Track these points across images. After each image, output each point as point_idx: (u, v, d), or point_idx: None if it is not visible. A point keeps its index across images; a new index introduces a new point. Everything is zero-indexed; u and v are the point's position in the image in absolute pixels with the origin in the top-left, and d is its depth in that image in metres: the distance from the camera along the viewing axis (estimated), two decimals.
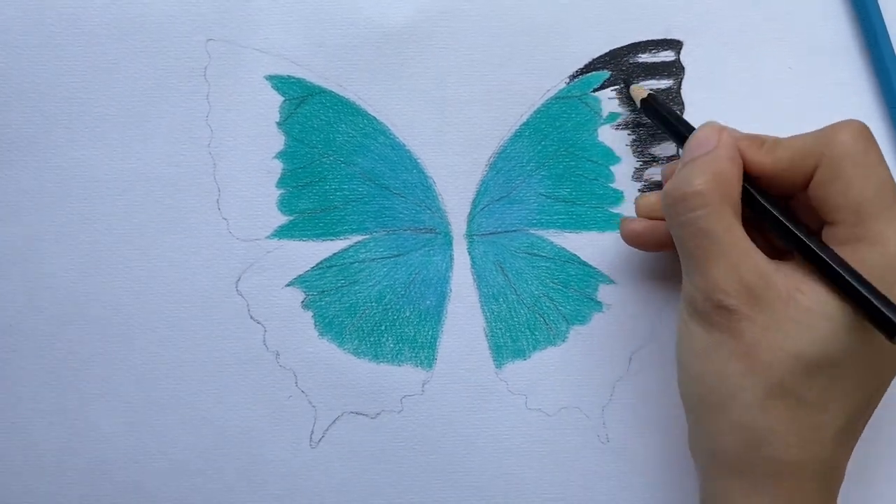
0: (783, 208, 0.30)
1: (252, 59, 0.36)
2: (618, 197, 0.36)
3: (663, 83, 0.36)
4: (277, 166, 0.36)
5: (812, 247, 0.29)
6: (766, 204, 0.30)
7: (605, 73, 0.36)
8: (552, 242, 0.36)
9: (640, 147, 0.36)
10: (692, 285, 0.30)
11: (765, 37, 0.37)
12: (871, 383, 0.30)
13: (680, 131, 0.33)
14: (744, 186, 0.30)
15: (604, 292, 0.36)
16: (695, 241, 0.29)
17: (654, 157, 0.36)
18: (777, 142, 0.30)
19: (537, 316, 0.36)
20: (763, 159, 0.30)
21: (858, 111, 0.36)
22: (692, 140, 0.31)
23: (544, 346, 0.36)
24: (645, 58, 0.36)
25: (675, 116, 0.34)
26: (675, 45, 0.36)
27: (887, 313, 0.27)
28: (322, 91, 0.36)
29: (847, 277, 0.28)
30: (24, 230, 0.36)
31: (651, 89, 0.36)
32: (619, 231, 0.35)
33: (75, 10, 0.36)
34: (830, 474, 0.30)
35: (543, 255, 0.36)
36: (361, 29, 0.36)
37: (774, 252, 0.31)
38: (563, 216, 0.36)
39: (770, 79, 0.36)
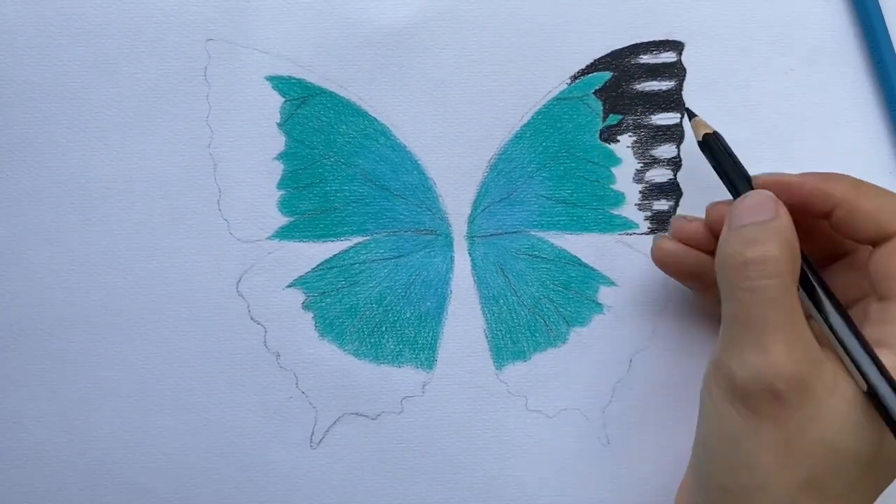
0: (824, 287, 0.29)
1: (252, 59, 0.36)
2: (619, 199, 0.36)
3: (664, 84, 0.36)
4: (278, 167, 0.36)
5: (848, 341, 0.28)
6: (817, 285, 0.29)
7: (607, 74, 0.36)
8: (553, 244, 0.36)
9: (641, 149, 0.36)
10: (738, 362, 0.28)
11: (766, 39, 0.36)
12: (881, 483, 0.29)
13: (734, 181, 0.32)
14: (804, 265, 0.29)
15: (604, 294, 0.36)
16: (760, 311, 0.27)
17: (655, 159, 0.36)
18: (858, 184, 0.30)
19: (538, 317, 0.36)
20: (856, 199, 0.29)
21: (859, 114, 0.36)
22: (747, 203, 0.29)
23: (545, 347, 0.36)
24: (646, 59, 0.36)
25: (733, 162, 0.32)
26: (677, 46, 0.36)
27: None
28: (323, 92, 0.36)
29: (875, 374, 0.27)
30: (24, 230, 0.36)
31: (652, 90, 0.36)
32: (651, 252, 0.34)
33: (76, 10, 0.36)
34: None
35: (544, 256, 0.36)
36: (362, 30, 0.36)
37: None
38: (563, 218, 0.36)
39: (771, 81, 0.36)
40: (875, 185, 0.30)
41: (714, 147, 0.32)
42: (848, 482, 0.27)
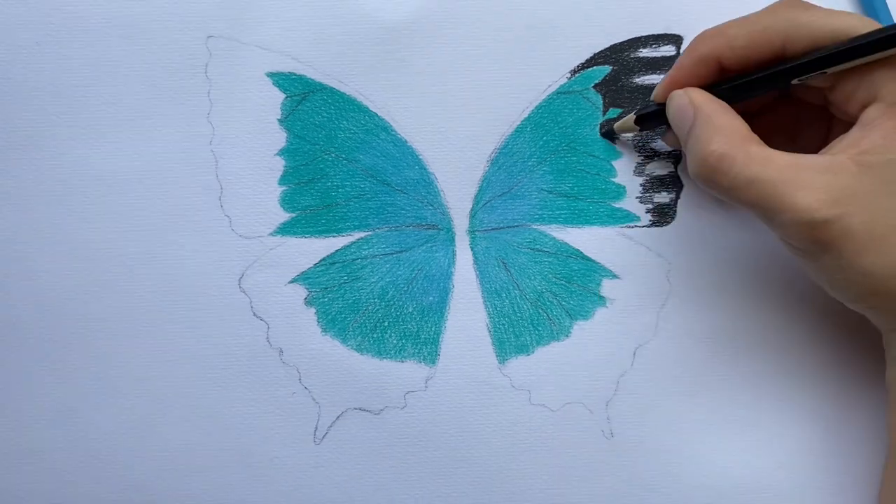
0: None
1: (253, 55, 0.36)
2: (619, 192, 0.36)
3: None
4: (279, 163, 0.36)
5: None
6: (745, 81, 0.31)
7: (606, 68, 0.36)
8: (554, 237, 0.36)
9: (642, 142, 0.36)
10: (783, 230, 0.29)
11: None
12: None
13: (659, 112, 0.34)
14: (727, 87, 0.32)
15: (607, 287, 0.36)
16: (750, 194, 0.29)
17: (656, 152, 0.36)
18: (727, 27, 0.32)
19: (540, 311, 0.36)
20: (725, 50, 0.31)
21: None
22: (672, 117, 0.32)
23: (548, 341, 0.36)
24: (645, 52, 0.36)
25: (655, 114, 0.34)
26: (676, 39, 0.37)
27: None
28: (323, 88, 0.36)
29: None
30: (25, 228, 0.36)
31: (651, 84, 0.36)
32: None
33: (77, 8, 0.36)
34: None
35: (546, 250, 0.36)
36: (363, 25, 0.36)
37: None
38: (565, 211, 0.36)
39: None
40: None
41: (644, 116, 0.35)
42: None
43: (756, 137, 0.30)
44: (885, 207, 0.28)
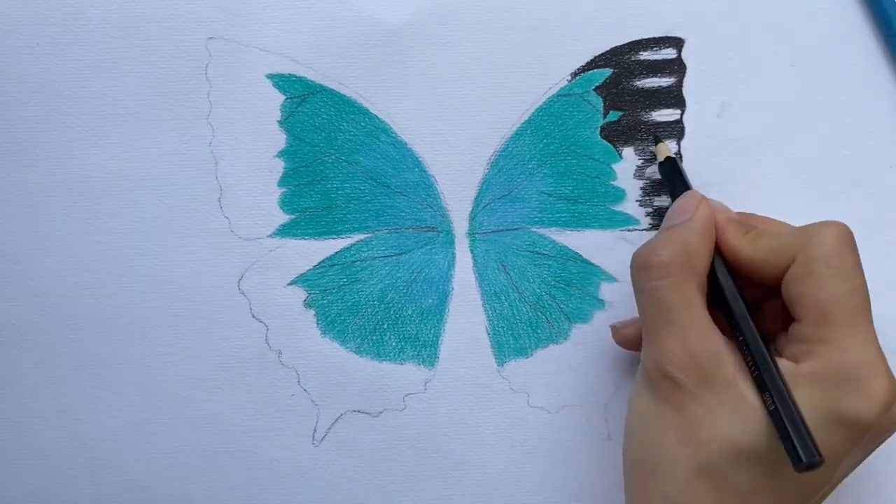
0: (744, 299, 0.31)
1: (253, 57, 0.36)
2: (619, 195, 0.36)
3: (664, 81, 0.36)
4: (279, 165, 0.36)
5: (751, 347, 0.29)
6: (724, 287, 0.31)
7: (607, 71, 0.36)
8: (554, 240, 0.36)
9: (641, 145, 0.36)
10: (647, 352, 0.30)
11: (766, 34, 0.36)
12: (799, 488, 0.29)
13: (677, 196, 0.33)
14: (714, 264, 0.31)
15: (606, 290, 0.36)
16: (652, 310, 0.30)
17: (656, 156, 0.36)
18: (760, 233, 0.31)
19: (539, 314, 0.36)
20: (743, 247, 0.31)
21: (860, 109, 0.36)
22: (673, 207, 0.32)
23: (546, 344, 0.36)
24: (646, 55, 0.36)
25: (681, 182, 0.34)
26: (677, 42, 0.36)
27: (796, 443, 0.27)
28: (323, 89, 0.36)
29: (773, 394, 0.28)
30: (25, 229, 0.36)
31: (652, 87, 0.36)
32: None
33: (76, 9, 0.36)
34: None
35: (545, 253, 0.36)
36: (363, 27, 0.36)
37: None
38: (564, 214, 0.36)
39: (771, 76, 0.36)
40: (760, 223, 0.32)
41: (670, 169, 0.35)
42: (751, 480, 0.28)
43: (703, 288, 0.30)
44: None
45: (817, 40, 0.37)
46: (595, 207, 0.36)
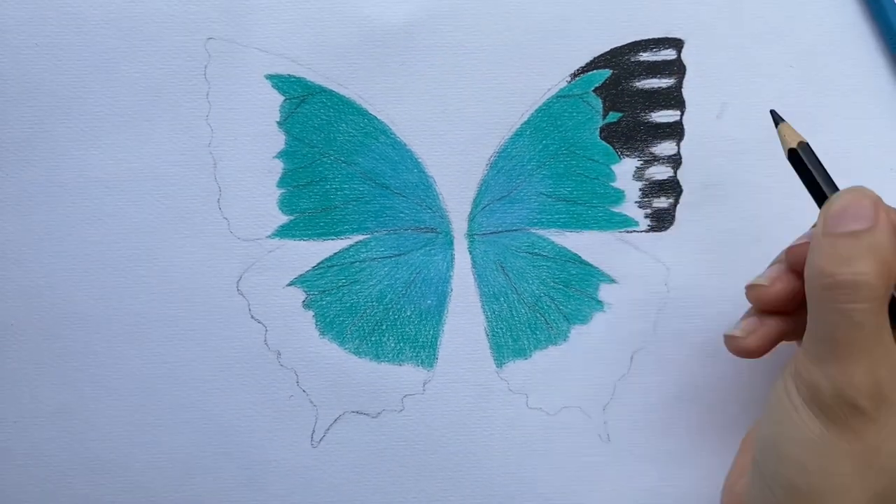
0: None
1: (252, 58, 0.36)
2: (619, 196, 0.36)
3: (664, 82, 0.36)
4: (278, 166, 0.36)
5: None
6: None
7: (607, 72, 0.36)
8: (553, 242, 0.36)
9: (641, 146, 0.36)
10: (821, 373, 0.27)
11: (765, 35, 0.36)
12: None
13: (823, 192, 0.30)
14: None
15: (605, 292, 0.36)
16: (844, 332, 0.27)
17: (655, 157, 0.36)
18: None
19: (538, 315, 0.36)
20: None
21: (859, 110, 0.36)
22: (842, 205, 0.28)
23: (545, 345, 0.36)
24: (646, 56, 0.36)
25: (822, 173, 0.30)
26: (677, 43, 0.36)
27: None
28: (322, 90, 0.36)
29: None
30: (23, 229, 0.36)
31: (652, 88, 0.36)
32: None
33: (75, 9, 0.36)
34: None
35: (544, 254, 0.36)
36: (362, 28, 0.36)
37: None
38: (563, 215, 0.36)
39: (771, 77, 0.36)
40: None
41: (802, 160, 0.30)
42: None
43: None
44: None
45: (816, 41, 0.37)
46: (594, 209, 0.36)
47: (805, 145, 0.30)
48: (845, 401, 0.27)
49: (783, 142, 0.31)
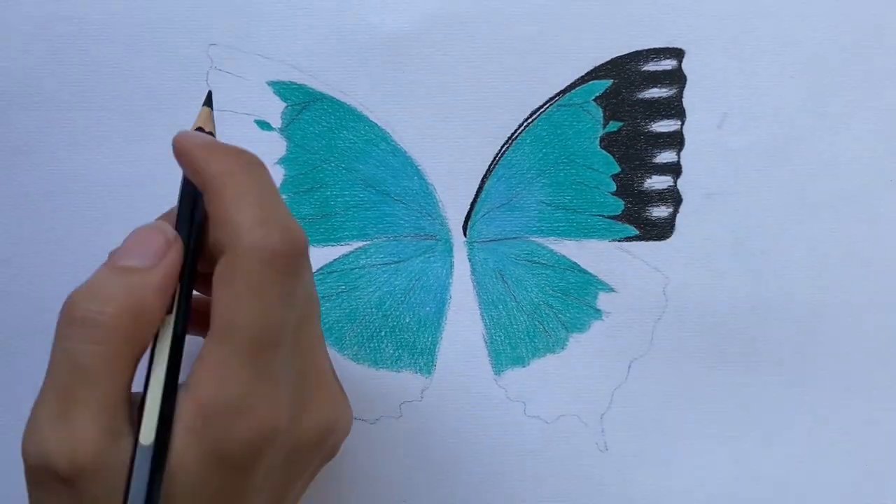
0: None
1: (254, 64, 0.36)
2: (618, 205, 0.36)
3: (665, 92, 0.36)
4: (279, 172, 0.36)
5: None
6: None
7: (607, 81, 0.36)
8: (552, 250, 0.36)
9: (642, 155, 0.36)
10: (36, 431, 0.24)
11: (766, 45, 0.36)
12: None
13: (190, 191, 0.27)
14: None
15: (603, 300, 0.36)
16: (70, 379, 0.24)
17: (655, 166, 0.36)
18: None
19: (537, 323, 0.36)
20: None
21: (860, 120, 0.36)
22: (133, 237, 0.26)
23: (543, 353, 0.36)
24: (647, 66, 0.36)
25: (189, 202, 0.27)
26: (678, 53, 0.36)
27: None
28: (324, 97, 0.36)
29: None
30: (25, 232, 0.36)
31: (652, 97, 0.36)
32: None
33: (78, 14, 0.36)
34: None
35: (543, 262, 0.36)
36: (364, 36, 0.36)
37: None
38: (563, 224, 0.36)
39: (772, 88, 0.36)
40: (250, 187, 0.25)
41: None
42: None
43: (139, 354, 0.25)
44: None
45: (817, 52, 0.37)
46: (593, 217, 0.36)
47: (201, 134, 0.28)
48: (51, 466, 0.23)
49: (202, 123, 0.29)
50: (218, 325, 0.24)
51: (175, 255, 0.25)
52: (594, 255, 0.36)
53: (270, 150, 0.36)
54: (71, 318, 0.24)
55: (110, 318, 0.24)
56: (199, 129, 0.29)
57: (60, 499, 0.24)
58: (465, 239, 0.36)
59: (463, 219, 0.36)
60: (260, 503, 0.26)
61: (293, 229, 0.25)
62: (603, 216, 0.36)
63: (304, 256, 0.25)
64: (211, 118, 0.29)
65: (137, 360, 0.25)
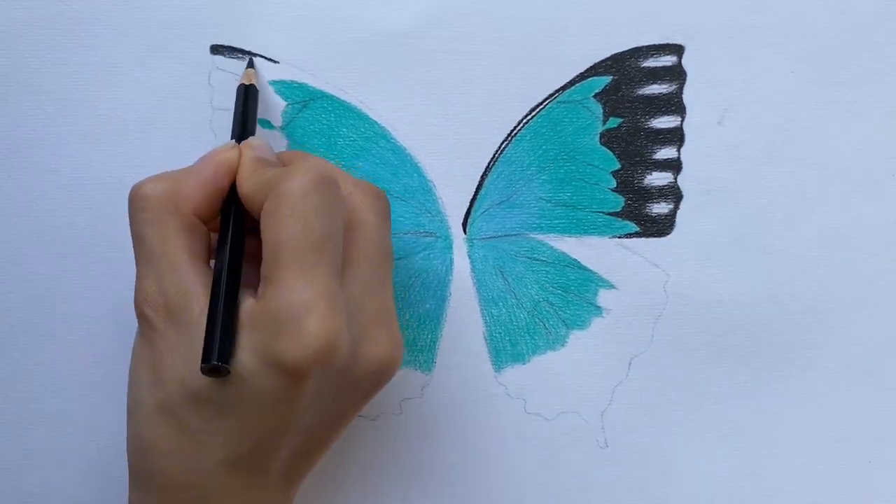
0: (239, 237, 0.30)
1: (256, 63, 0.36)
2: (618, 201, 0.36)
3: (665, 88, 0.36)
4: None
5: (215, 281, 0.29)
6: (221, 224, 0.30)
7: (607, 78, 0.36)
8: (552, 247, 0.36)
9: (642, 152, 0.36)
10: (139, 285, 0.30)
11: (766, 41, 0.36)
12: (251, 430, 0.28)
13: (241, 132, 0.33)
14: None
15: (603, 297, 0.36)
16: (133, 244, 0.30)
17: (655, 162, 0.36)
18: (262, 169, 0.30)
19: (537, 320, 0.36)
20: (241, 182, 0.30)
21: (862, 116, 0.36)
22: (211, 152, 0.32)
23: (544, 350, 0.36)
24: (646, 62, 0.36)
25: (252, 117, 0.34)
26: (677, 49, 0.36)
27: (213, 343, 0.27)
28: (324, 96, 0.36)
29: (212, 303, 0.28)
30: (27, 232, 0.36)
31: (652, 94, 0.36)
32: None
33: (80, 14, 0.36)
34: (220, 500, 0.29)
35: (543, 259, 0.36)
36: (364, 33, 0.36)
37: None
38: (563, 220, 0.36)
39: (772, 84, 0.36)
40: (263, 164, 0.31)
41: (246, 97, 0.34)
42: (203, 420, 0.28)
43: (189, 229, 0.30)
44: None
45: (818, 47, 0.36)
46: (593, 214, 0.36)
47: (253, 88, 0.35)
48: (138, 312, 0.29)
49: (244, 79, 0.35)
50: (268, 244, 0.28)
51: (219, 155, 0.31)
52: (594, 251, 0.36)
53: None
54: (129, 197, 0.30)
55: (151, 190, 0.30)
56: (242, 84, 0.35)
57: (150, 332, 0.29)
58: (464, 236, 0.37)
59: (463, 216, 0.37)
60: (308, 420, 0.29)
61: (322, 164, 0.31)
62: (603, 213, 0.36)
63: (335, 184, 0.29)
64: (255, 76, 0.35)
65: (186, 230, 0.30)
